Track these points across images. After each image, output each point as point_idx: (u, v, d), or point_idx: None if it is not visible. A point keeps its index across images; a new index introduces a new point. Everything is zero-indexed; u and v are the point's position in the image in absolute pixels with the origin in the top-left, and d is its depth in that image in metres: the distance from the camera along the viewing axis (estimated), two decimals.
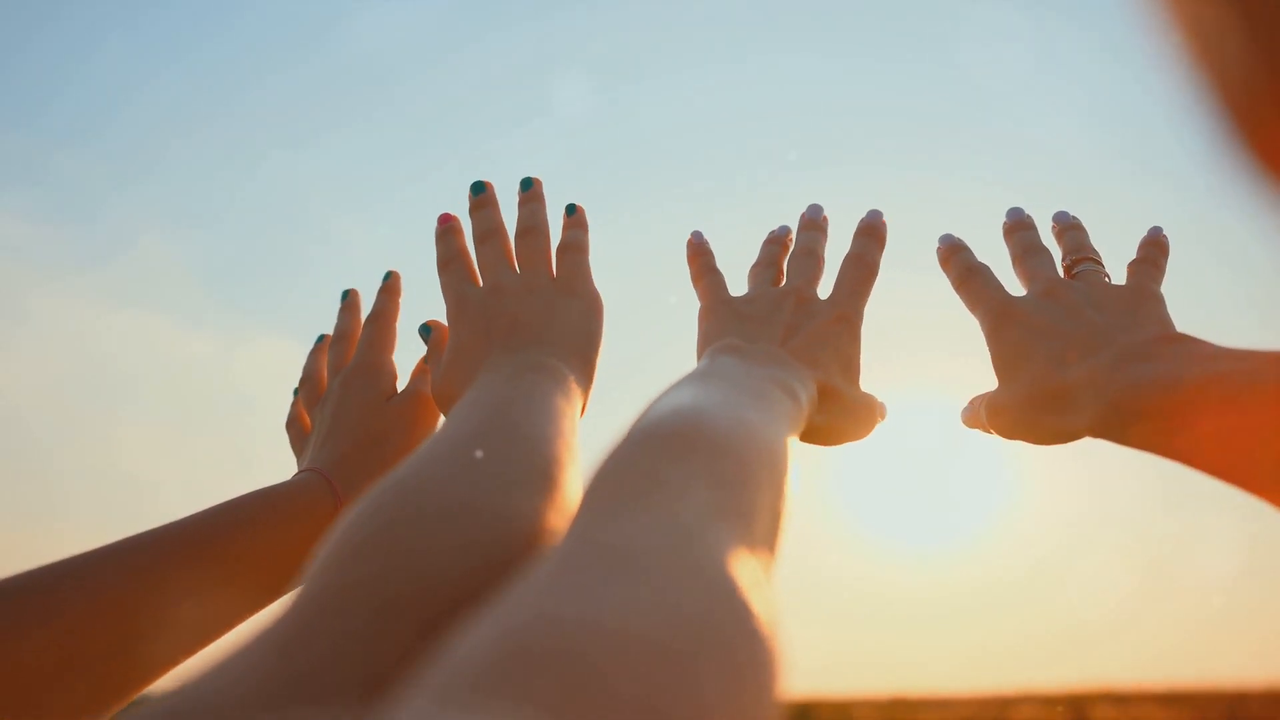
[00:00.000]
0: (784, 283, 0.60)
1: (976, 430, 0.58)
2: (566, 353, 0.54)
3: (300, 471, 0.59)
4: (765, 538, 0.33)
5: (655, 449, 0.33)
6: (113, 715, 0.44)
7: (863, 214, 0.63)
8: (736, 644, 0.25)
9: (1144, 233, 0.61)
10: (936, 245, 0.63)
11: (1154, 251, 0.59)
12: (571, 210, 0.63)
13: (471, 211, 0.63)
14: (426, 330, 0.64)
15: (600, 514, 0.29)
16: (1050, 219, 0.63)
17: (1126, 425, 0.49)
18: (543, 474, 0.40)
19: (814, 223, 0.63)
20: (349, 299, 0.71)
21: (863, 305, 0.58)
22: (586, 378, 0.54)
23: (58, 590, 0.44)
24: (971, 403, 0.59)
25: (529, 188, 0.63)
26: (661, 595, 0.25)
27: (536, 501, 0.38)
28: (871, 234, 0.61)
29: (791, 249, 0.63)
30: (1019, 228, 0.62)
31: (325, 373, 0.69)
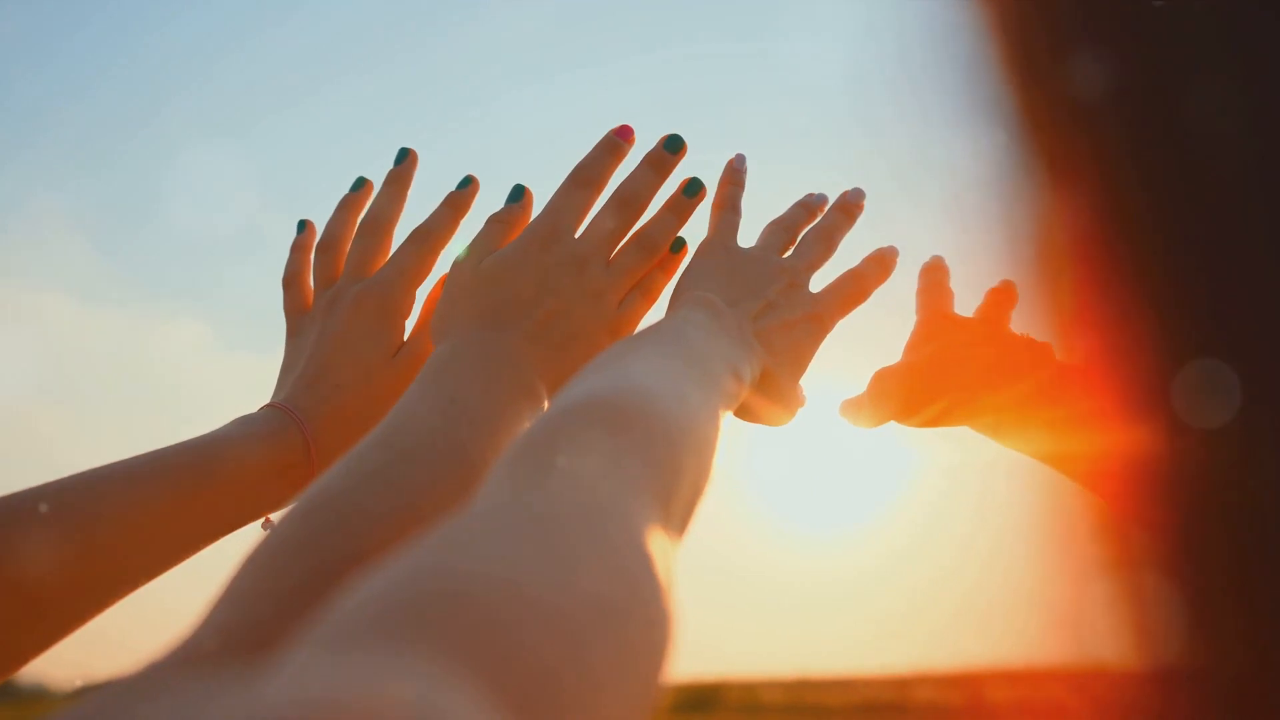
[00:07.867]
0: (788, 254, 0.59)
1: (848, 417, 0.62)
2: (562, 378, 0.48)
3: (280, 409, 0.52)
4: (679, 520, 0.33)
5: (591, 418, 0.33)
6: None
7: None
8: (633, 619, 0.25)
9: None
10: (926, 261, 0.67)
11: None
12: (677, 247, 0.55)
13: (650, 162, 0.53)
14: (519, 192, 0.54)
15: (519, 474, 0.30)
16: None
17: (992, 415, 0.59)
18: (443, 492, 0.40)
19: (850, 206, 0.61)
20: (363, 185, 0.59)
21: (840, 318, 0.58)
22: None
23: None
24: (856, 397, 0.62)
25: (695, 192, 0.55)
26: (565, 559, 0.25)
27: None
28: (880, 264, 0.60)
29: (815, 222, 0.60)
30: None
31: (345, 248, 0.57)
